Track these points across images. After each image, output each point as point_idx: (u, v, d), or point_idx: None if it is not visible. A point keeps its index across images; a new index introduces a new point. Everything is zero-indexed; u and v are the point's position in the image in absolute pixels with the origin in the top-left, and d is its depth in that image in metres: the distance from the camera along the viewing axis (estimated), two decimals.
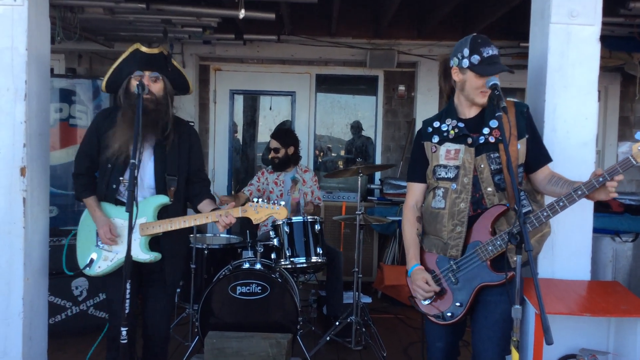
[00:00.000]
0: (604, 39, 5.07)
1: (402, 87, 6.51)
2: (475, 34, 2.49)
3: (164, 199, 2.90)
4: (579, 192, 2.29)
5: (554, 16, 2.87)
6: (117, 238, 2.85)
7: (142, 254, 2.84)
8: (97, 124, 2.96)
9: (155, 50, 2.88)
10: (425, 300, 2.58)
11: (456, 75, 2.51)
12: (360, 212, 4.26)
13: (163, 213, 2.90)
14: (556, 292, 2.65)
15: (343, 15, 5.72)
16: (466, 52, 2.43)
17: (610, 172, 2.25)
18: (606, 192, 2.29)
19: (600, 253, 4.78)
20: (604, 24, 3.01)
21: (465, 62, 2.43)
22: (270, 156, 4.81)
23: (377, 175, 6.55)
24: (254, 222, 2.94)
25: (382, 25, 5.84)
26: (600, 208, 4.86)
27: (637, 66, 5.49)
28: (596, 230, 4.45)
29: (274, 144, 4.76)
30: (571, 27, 2.87)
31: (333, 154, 7.01)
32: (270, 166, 4.90)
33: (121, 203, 2.89)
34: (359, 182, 4.34)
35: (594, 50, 2.90)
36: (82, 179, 2.95)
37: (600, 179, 2.26)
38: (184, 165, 3.00)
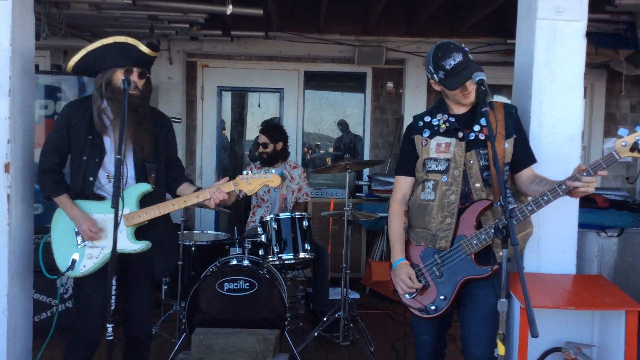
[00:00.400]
0: (590, 36, 5.10)
1: (390, 84, 6.52)
2: (436, 44, 2.53)
3: (145, 187, 2.81)
4: (563, 187, 2.31)
5: (540, 12, 2.88)
6: (101, 232, 2.77)
7: (132, 245, 2.76)
8: (67, 117, 2.81)
9: (156, 54, 2.82)
10: (409, 294, 2.60)
11: (435, 86, 2.61)
12: (348, 208, 4.26)
13: (146, 201, 2.82)
14: (541, 286, 2.67)
15: (331, 11, 5.71)
16: (431, 68, 2.51)
17: (594, 167, 2.27)
18: (588, 187, 2.29)
19: (586, 248, 4.81)
20: (590, 20, 3.03)
21: (435, 77, 2.53)
22: (258, 151, 4.80)
23: (366, 172, 6.56)
24: (248, 194, 2.89)
25: (370, 22, 5.85)
26: (586, 203, 4.89)
27: (622, 63, 5.53)
28: (582, 226, 4.47)
29: (263, 138, 4.74)
30: (557, 23, 2.89)
31: (321, 151, 7.01)
32: (258, 162, 4.89)
33: (98, 197, 2.80)
34: (347, 178, 4.34)
35: (580, 46, 2.91)
36: (52, 176, 2.81)
37: (584, 174, 2.27)
38: (162, 152, 2.95)
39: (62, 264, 2.80)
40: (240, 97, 6.91)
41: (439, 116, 2.63)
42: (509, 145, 2.52)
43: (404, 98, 6.44)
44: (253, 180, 2.85)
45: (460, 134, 2.54)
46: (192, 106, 6.58)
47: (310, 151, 6.90)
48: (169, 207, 2.82)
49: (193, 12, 4.87)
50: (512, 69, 3.21)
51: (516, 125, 2.57)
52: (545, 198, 2.34)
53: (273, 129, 4.84)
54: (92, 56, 2.77)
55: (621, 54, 5.45)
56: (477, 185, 2.50)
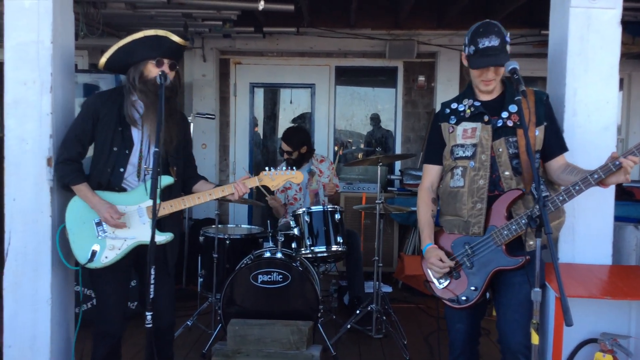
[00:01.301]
0: (627, 25, 5.03)
1: (421, 78, 6.50)
2: (484, 21, 2.52)
3: (169, 179, 2.84)
4: (595, 176, 2.29)
5: (574, 0, 2.85)
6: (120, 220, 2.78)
7: (157, 236, 2.69)
8: (95, 109, 2.83)
9: (182, 42, 2.86)
10: (440, 282, 2.61)
11: (464, 61, 2.58)
12: (380, 201, 4.28)
13: (165, 194, 2.83)
14: (576, 276, 2.65)
15: (362, 6, 5.72)
16: (467, 40, 2.51)
17: (627, 154, 2.26)
18: (623, 174, 2.28)
19: (624, 242, 4.71)
20: (626, 9, 2.98)
21: (466, 50, 2.51)
22: (284, 157, 4.81)
23: (397, 166, 6.55)
24: (272, 189, 2.97)
25: (401, 15, 5.83)
26: (624, 196, 4.82)
27: None
28: (619, 219, 4.40)
29: (286, 147, 4.70)
30: (591, 11, 2.85)
31: (353, 147, 7.02)
32: (284, 163, 4.91)
33: (121, 189, 2.82)
34: (379, 172, 4.35)
35: (615, 33, 2.87)
36: (73, 164, 2.81)
37: (617, 162, 2.25)
38: (182, 148, 3.00)
39: (81, 255, 2.80)
40: (272, 93, 6.98)
41: (465, 101, 2.62)
42: (539, 132, 2.49)
43: (435, 91, 6.41)
44: (277, 177, 2.92)
45: (486, 118, 2.52)
46: (226, 103, 6.67)
47: (342, 148, 6.92)
48: (195, 200, 2.87)
49: (226, 9, 4.94)
50: (546, 61, 3.17)
51: (547, 112, 2.54)
52: (577, 187, 2.31)
53: (293, 134, 4.78)
54: (123, 52, 2.81)
55: None
56: (507, 173, 2.48)
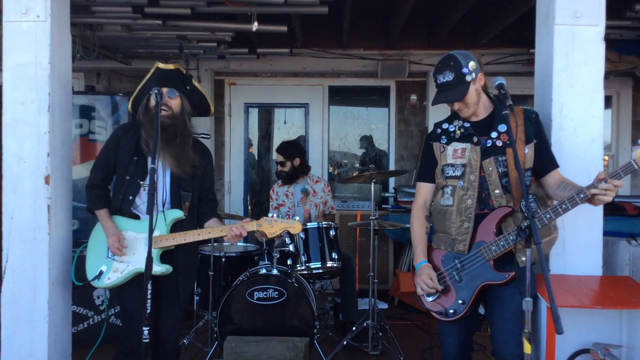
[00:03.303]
0: (613, 43, 5.14)
1: (414, 97, 6.58)
2: (445, 54, 2.60)
3: (178, 214, 2.93)
4: (582, 196, 2.37)
5: (558, 17, 2.94)
6: (125, 249, 2.87)
7: (155, 267, 2.80)
8: (117, 137, 3.00)
9: (170, 66, 2.96)
10: (429, 297, 2.67)
11: None
12: (374, 217, 4.32)
13: (177, 228, 2.93)
14: (567, 287, 2.69)
15: (354, 27, 5.83)
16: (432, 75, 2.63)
17: (613, 175, 2.33)
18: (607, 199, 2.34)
19: (617, 256, 4.76)
20: (611, 27, 3.07)
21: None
22: (277, 170, 4.88)
23: (392, 183, 6.61)
24: (269, 236, 3.03)
25: (392, 36, 5.94)
26: (615, 211, 4.86)
27: None
28: (612, 234, 4.46)
29: (279, 157, 4.82)
30: (575, 28, 2.94)
31: (347, 166, 7.08)
32: (280, 180, 4.97)
33: (135, 216, 2.95)
34: (372, 188, 4.40)
35: (599, 50, 2.95)
36: (97, 190, 2.98)
37: (603, 183, 2.32)
38: (198, 183, 3.07)
39: (90, 272, 2.93)
40: (266, 113, 7.05)
41: (456, 122, 2.70)
42: (529, 150, 2.56)
43: (427, 110, 6.50)
44: (275, 224, 3.00)
45: (475, 139, 2.60)
46: (221, 123, 6.74)
47: (336, 169, 6.97)
48: (195, 236, 2.94)
49: (220, 30, 5.02)
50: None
51: (536, 130, 2.60)
52: (564, 206, 2.40)
53: (287, 145, 4.88)
54: (140, 91, 3.02)
55: None
56: (497, 191, 2.55)
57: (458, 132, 2.66)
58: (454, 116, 2.73)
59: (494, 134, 2.58)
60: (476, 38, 6.03)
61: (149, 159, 2.87)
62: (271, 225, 2.99)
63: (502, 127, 2.56)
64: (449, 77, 2.53)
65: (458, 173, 2.61)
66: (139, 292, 2.85)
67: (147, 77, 2.99)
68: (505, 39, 5.90)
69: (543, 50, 3.09)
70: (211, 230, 2.97)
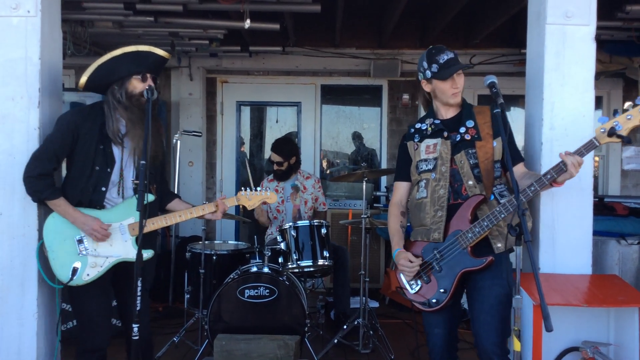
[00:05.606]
0: (604, 44, 5.17)
1: (406, 96, 6.60)
2: (430, 46, 2.78)
3: (150, 197, 2.82)
4: (548, 176, 2.50)
5: (549, 17, 2.96)
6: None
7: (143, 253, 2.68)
8: (74, 125, 2.78)
9: (168, 56, 2.90)
10: (412, 288, 2.75)
11: (426, 87, 2.82)
12: (366, 216, 4.33)
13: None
14: (554, 285, 2.71)
15: (346, 26, 5.83)
16: (425, 64, 2.75)
17: (576, 152, 2.48)
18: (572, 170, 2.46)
19: (607, 256, 4.79)
20: (602, 27, 3.09)
21: (428, 73, 2.73)
22: (274, 169, 4.86)
23: (383, 182, 6.62)
24: (248, 209, 3.17)
25: (385, 35, 5.95)
26: (605, 211, 4.89)
27: (637, 70, 5.53)
28: (601, 233, 4.48)
29: (276, 157, 4.76)
30: (566, 28, 2.96)
31: (339, 165, 7.09)
32: (270, 175, 4.96)
33: (103, 207, 2.81)
34: (364, 186, 4.41)
35: (590, 49, 2.98)
36: (48, 179, 2.77)
37: (568, 156, 2.45)
38: (160, 164, 3.02)
39: (62, 273, 2.76)
40: (258, 111, 7.04)
41: (427, 121, 2.84)
42: (497, 144, 2.69)
43: (420, 109, 6.51)
44: (253, 197, 3.13)
45: (445, 134, 2.73)
46: (213, 121, 6.72)
47: (328, 168, 6.98)
48: (176, 218, 2.92)
49: (212, 28, 5.02)
50: None
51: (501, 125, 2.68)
52: (532, 188, 2.52)
53: (284, 145, 4.84)
54: (103, 70, 2.81)
55: (635, 62, 5.46)
56: (470, 182, 2.67)
57: (429, 129, 2.80)
58: (426, 116, 2.87)
59: (462, 129, 2.72)
60: (468, 38, 6.05)
61: (114, 146, 2.80)
62: (249, 199, 3.11)
63: (470, 123, 2.72)
64: (450, 54, 2.71)
65: (430, 167, 2.73)
66: (102, 292, 2.84)
67: (119, 55, 2.78)
68: (497, 39, 5.94)
69: (534, 49, 3.11)
70: (192, 210, 2.96)
